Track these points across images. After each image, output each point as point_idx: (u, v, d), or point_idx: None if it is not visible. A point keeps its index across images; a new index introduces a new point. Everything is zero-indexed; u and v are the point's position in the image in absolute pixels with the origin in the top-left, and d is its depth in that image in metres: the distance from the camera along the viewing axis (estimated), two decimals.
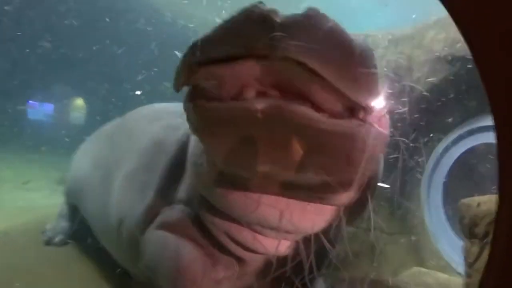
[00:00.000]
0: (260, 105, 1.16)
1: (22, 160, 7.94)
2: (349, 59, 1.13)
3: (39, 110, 13.37)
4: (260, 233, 1.67)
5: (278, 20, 1.11)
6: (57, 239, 3.39)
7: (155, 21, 9.99)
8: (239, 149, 1.30)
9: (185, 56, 1.25)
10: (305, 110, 1.15)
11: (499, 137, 1.14)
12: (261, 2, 1.17)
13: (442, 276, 2.35)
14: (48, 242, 3.37)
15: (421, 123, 2.83)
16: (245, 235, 1.69)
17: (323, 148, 1.23)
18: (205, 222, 1.79)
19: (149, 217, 2.02)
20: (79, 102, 13.77)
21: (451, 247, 2.91)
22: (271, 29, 1.09)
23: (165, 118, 2.45)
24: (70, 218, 3.49)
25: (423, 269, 2.54)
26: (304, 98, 1.17)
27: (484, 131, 2.90)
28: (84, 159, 3.13)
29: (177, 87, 1.32)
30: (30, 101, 12.74)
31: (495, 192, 1.17)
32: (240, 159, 1.36)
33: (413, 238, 3.02)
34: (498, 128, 1.13)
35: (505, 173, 1.18)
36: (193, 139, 1.83)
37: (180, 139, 2.09)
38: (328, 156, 1.25)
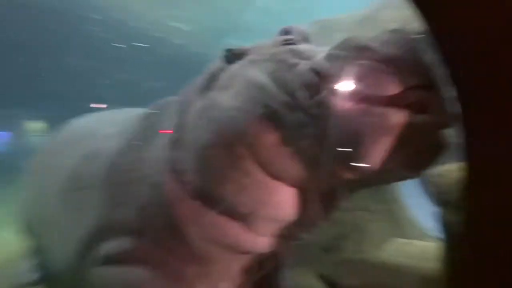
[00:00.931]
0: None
1: None
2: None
3: None
4: (250, 227, 1.66)
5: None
6: (26, 281, 3.03)
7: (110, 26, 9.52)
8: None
9: None
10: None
11: (463, 108, 1.20)
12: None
13: (421, 243, 2.48)
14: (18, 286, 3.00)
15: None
16: (234, 231, 1.67)
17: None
18: (179, 227, 1.74)
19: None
20: (38, 125, 12.99)
21: (424, 214, 3.07)
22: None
23: (91, 139, 2.37)
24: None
25: (404, 240, 2.67)
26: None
27: None
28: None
29: None
30: None
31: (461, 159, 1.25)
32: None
33: (391, 211, 3.16)
34: (462, 100, 1.20)
35: (470, 140, 1.25)
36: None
37: (102, 167, 2.01)
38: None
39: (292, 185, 1.54)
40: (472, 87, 1.17)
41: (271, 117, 1.44)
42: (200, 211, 1.68)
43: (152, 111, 2.15)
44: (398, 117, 1.29)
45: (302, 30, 1.75)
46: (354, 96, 1.32)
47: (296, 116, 1.40)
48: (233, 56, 1.74)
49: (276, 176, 1.52)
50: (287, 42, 1.64)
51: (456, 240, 1.51)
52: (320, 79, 1.37)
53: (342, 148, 1.33)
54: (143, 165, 1.90)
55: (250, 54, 1.69)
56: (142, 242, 1.81)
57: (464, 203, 1.36)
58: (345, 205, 2.90)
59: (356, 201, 3.03)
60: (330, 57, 1.39)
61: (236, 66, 1.69)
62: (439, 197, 1.65)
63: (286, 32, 1.72)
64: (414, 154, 1.35)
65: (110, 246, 1.89)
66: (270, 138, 1.46)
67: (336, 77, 1.34)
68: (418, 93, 1.29)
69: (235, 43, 1.99)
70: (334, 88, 1.34)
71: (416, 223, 3.10)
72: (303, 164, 1.46)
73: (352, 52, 1.33)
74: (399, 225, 3.13)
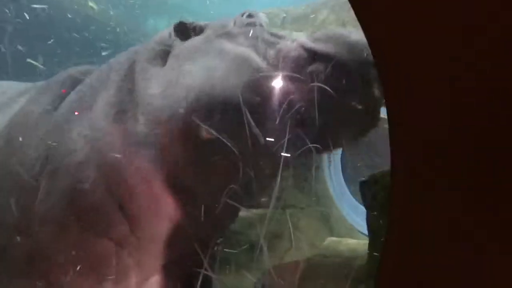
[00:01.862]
0: None
1: None
2: None
3: None
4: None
5: None
6: None
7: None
8: None
9: None
10: None
11: (388, 113, 1.23)
12: None
13: (352, 241, 2.58)
14: None
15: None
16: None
17: None
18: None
19: None
20: None
21: (353, 211, 3.23)
22: None
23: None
24: None
25: (335, 238, 2.76)
26: None
27: None
28: None
29: None
30: None
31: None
32: None
33: (322, 208, 3.25)
34: (388, 103, 1.22)
35: (395, 149, 1.28)
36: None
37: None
38: None
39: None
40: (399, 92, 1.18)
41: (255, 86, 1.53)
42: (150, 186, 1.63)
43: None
44: None
45: (263, 16, 1.84)
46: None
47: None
48: (186, 30, 1.76)
49: None
50: (253, 23, 1.71)
51: (380, 243, 1.56)
52: (309, 56, 1.51)
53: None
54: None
55: (209, 29, 1.73)
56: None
57: (389, 209, 1.39)
58: (277, 204, 2.93)
59: (287, 199, 3.06)
60: (317, 38, 1.54)
61: (198, 39, 1.70)
62: (368, 201, 1.71)
63: (250, 15, 1.79)
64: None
65: None
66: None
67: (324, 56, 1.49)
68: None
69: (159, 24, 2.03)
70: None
71: (346, 220, 3.24)
72: None
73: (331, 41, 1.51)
74: (330, 222, 3.25)
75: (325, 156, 3.48)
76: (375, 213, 1.65)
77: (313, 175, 3.22)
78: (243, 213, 2.79)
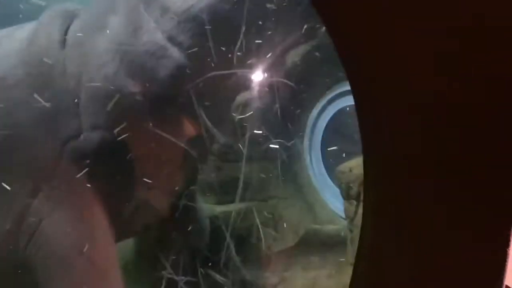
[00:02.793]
0: None
1: None
2: None
3: None
4: None
5: None
6: None
7: None
8: None
9: None
10: None
11: (356, 101, 1.21)
12: None
13: (332, 228, 2.61)
14: None
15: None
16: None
17: None
18: None
19: None
20: None
21: (334, 197, 3.26)
22: None
23: None
24: None
25: (316, 226, 2.79)
26: None
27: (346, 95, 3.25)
28: None
29: None
30: None
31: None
32: None
33: (304, 196, 3.28)
34: (355, 93, 1.20)
35: (365, 136, 1.27)
36: None
37: None
38: None
39: None
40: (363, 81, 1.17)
41: None
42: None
43: None
44: None
45: None
46: None
47: None
48: None
49: None
50: None
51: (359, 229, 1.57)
52: None
53: None
54: None
55: None
56: None
57: (364, 196, 1.39)
58: (260, 195, 2.92)
59: (269, 190, 3.06)
60: None
61: None
62: (342, 191, 1.72)
63: None
64: None
65: None
66: None
67: None
68: None
69: None
70: None
71: (328, 206, 3.27)
72: None
73: None
74: (312, 209, 3.27)
75: (306, 145, 3.51)
76: (351, 200, 1.66)
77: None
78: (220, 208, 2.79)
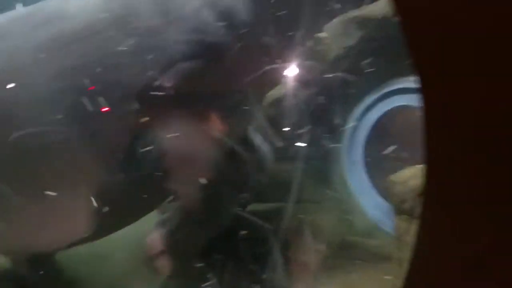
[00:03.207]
0: None
1: None
2: None
3: None
4: None
5: None
6: None
7: None
8: None
9: None
10: None
11: (425, 103, 1.05)
12: None
13: (374, 242, 2.40)
14: None
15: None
16: None
17: None
18: None
19: None
20: None
21: (376, 208, 3.01)
22: None
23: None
24: None
25: (354, 238, 2.58)
26: None
27: (399, 93, 2.97)
28: None
29: None
30: None
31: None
32: None
33: (339, 202, 3.06)
34: (424, 92, 1.03)
35: (430, 144, 1.11)
36: None
37: None
38: None
39: None
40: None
41: None
42: None
43: None
44: None
45: None
46: None
47: None
48: None
49: None
50: None
51: (409, 249, 1.39)
52: None
53: None
54: None
55: None
56: None
57: (422, 211, 1.22)
58: (293, 198, 2.77)
59: (302, 193, 2.89)
60: None
61: None
62: (393, 204, 1.52)
63: None
64: None
65: None
66: None
67: None
68: None
69: None
70: None
71: (367, 215, 3.02)
72: None
73: None
74: (348, 217, 3.06)
75: (345, 146, 3.29)
76: (403, 216, 1.46)
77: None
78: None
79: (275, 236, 2.33)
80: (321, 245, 2.58)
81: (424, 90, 1.03)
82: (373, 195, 3.08)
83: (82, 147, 2.16)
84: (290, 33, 2.29)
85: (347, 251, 2.32)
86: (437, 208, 1.12)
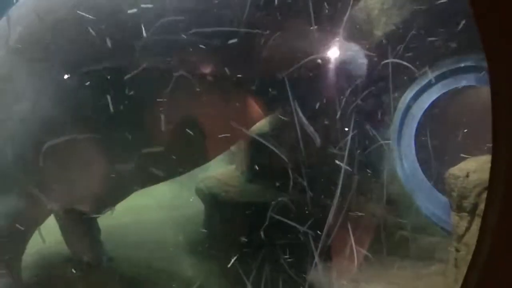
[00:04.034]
0: None
1: None
2: None
3: None
4: None
5: None
6: None
7: None
8: None
9: None
10: None
11: (492, 83, 0.89)
12: None
13: (429, 240, 2.20)
14: None
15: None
16: None
17: None
18: None
19: None
20: None
21: (429, 202, 2.76)
22: None
23: None
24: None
25: (407, 234, 2.39)
26: None
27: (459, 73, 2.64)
28: None
29: None
30: None
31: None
32: None
33: (390, 196, 2.86)
34: (493, 70, 0.88)
35: (499, 132, 0.95)
36: None
37: None
38: None
39: None
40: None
41: None
42: None
43: None
44: None
45: None
46: None
47: None
48: None
49: None
50: None
51: (469, 249, 1.23)
52: None
53: None
54: None
55: None
56: None
57: (485, 209, 1.08)
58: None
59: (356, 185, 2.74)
60: None
61: None
62: (452, 200, 1.35)
63: None
64: None
65: None
66: None
67: None
68: None
69: None
70: None
71: (420, 210, 2.79)
72: None
73: None
74: (398, 209, 2.85)
75: (394, 136, 3.04)
76: (462, 213, 1.29)
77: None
78: None
79: (315, 241, 2.25)
80: (366, 243, 2.43)
81: (493, 68, 0.88)
82: (427, 188, 2.82)
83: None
84: (330, 12, 2.11)
85: (398, 247, 2.15)
86: (504, 206, 0.96)
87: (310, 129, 1.82)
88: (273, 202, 2.18)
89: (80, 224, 2.88)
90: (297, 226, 2.17)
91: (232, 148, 4.56)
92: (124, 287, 2.85)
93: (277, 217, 1.98)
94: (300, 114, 2.11)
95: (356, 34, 2.49)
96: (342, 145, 2.27)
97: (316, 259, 2.08)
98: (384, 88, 2.62)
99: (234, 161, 4.35)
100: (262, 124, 3.82)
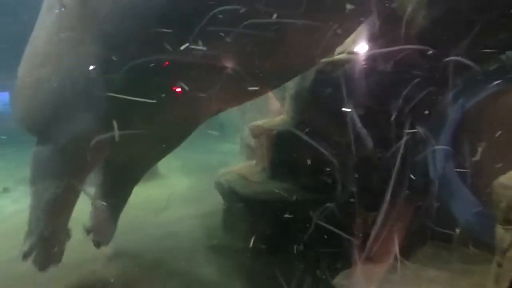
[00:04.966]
0: None
1: None
2: None
3: None
4: None
5: None
6: (35, 258, 2.54)
7: None
8: None
9: None
10: None
11: None
12: None
13: (463, 251, 2.01)
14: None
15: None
16: None
17: None
18: None
19: None
20: None
21: (468, 210, 2.53)
22: None
23: None
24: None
25: (440, 244, 2.20)
26: None
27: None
28: None
29: None
30: None
31: None
32: None
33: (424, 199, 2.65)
34: None
35: None
36: None
37: None
38: None
39: None
40: None
41: None
42: None
43: None
44: None
45: None
46: None
47: None
48: None
49: None
50: None
51: None
52: None
53: None
54: None
55: None
56: None
57: None
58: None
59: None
60: None
61: None
62: (498, 211, 1.20)
63: None
64: None
65: None
66: None
67: None
68: None
69: None
70: None
71: (453, 216, 2.58)
72: None
73: None
74: (429, 216, 2.65)
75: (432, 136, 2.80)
76: (508, 226, 1.15)
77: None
78: None
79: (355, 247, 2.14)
80: (396, 247, 2.27)
81: None
82: (466, 197, 2.56)
83: None
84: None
85: (432, 256, 1.99)
86: None
87: (363, 131, 1.68)
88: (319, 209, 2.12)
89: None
90: (342, 233, 2.07)
91: (252, 143, 4.46)
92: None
93: (323, 224, 1.89)
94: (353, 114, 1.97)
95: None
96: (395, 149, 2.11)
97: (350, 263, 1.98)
98: (441, 88, 2.42)
99: (253, 156, 4.25)
100: (281, 119, 3.72)
